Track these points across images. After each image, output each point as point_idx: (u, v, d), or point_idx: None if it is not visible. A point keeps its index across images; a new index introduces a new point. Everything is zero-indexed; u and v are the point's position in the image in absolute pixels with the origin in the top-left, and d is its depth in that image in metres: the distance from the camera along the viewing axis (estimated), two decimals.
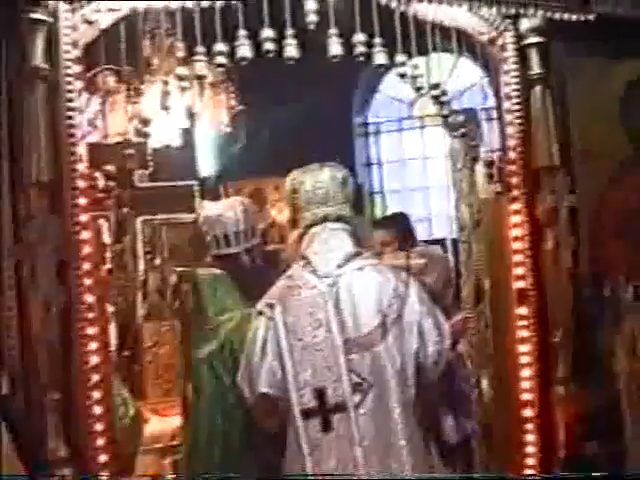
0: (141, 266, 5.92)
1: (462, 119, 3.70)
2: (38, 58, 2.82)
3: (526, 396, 3.49)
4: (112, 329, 4.10)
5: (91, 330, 2.90)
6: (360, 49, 3.01)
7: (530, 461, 3.48)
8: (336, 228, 3.24)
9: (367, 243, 3.42)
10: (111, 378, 3.14)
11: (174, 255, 5.99)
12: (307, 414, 3.02)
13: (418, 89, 3.39)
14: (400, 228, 5.44)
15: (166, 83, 3.39)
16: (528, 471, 3.47)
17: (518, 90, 3.50)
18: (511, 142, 3.53)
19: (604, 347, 3.89)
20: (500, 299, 3.58)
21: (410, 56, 3.20)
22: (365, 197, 9.33)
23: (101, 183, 3.06)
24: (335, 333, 3.04)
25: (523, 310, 3.49)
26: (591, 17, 3.46)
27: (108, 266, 4.71)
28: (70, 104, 2.91)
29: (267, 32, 2.88)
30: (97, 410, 2.90)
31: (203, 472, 3.76)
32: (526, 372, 3.49)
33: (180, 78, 3.09)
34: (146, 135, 3.71)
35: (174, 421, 4.53)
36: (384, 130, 10.09)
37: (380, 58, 3.08)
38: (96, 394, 2.90)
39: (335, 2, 3.03)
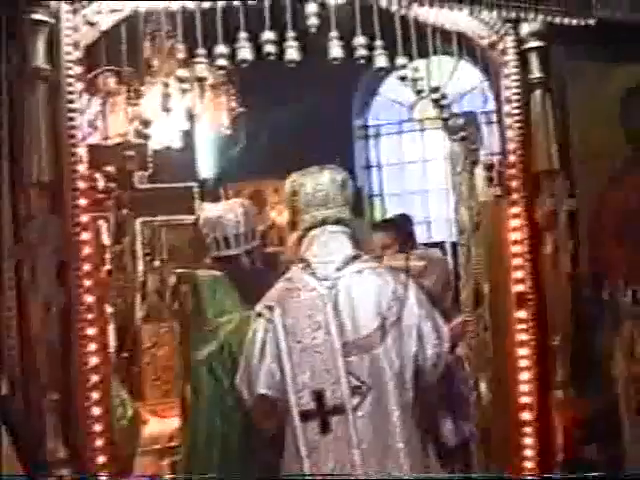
0: (140, 267, 5.93)
1: (462, 122, 3.70)
2: (39, 59, 2.82)
3: (525, 399, 3.49)
4: (111, 330, 4.10)
5: (90, 331, 2.90)
6: (361, 52, 3.02)
7: (528, 464, 3.48)
8: (335, 231, 3.25)
9: (366, 246, 3.42)
10: (110, 379, 3.14)
11: (173, 257, 5.99)
12: (305, 416, 3.02)
13: (418, 92, 3.39)
14: (400, 231, 5.45)
15: (166, 85, 3.39)
16: (526, 474, 3.47)
17: (518, 94, 3.50)
18: (511, 146, 3.53)
19: (603, 351, 3.89)
20: (499, 302, 3.58)
21: (411, 59, 3.20)
22: (364, 200, 9.35)
23: (101, 184, 3.06)
24: (334, 335, 3.04)
25: (522, 313, 3.49)
26: (591, 21, 3.46)
27: (107, 267, 4.71)
28: (71, 105, 2.91)
29: (268, 34, 2.88)
30: (96, 411, 2.90)
31: (202, 474, 3.77)
32: (525, 375, 3.49)
33: (181, 80, 3.09)
34: (146, 136, 3.72)
35: (173, 422, 4.54)
36: (384, 133, 10.11)
37: (381, 61, 3.09)
38: (95, 395, 2.90)
39: (336, 5, 3.03)
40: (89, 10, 2.97)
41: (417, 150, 9.94)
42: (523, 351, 3.49)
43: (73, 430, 2.85)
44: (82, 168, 2.94)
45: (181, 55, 3.04)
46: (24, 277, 2.80)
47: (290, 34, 2.93)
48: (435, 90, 3.45)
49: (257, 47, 2.88)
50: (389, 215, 8.77)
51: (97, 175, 3.03)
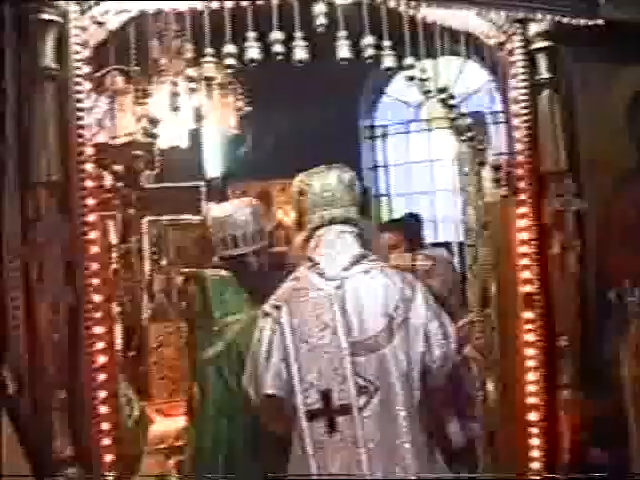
0: (147, 267, 5.94)
1: (469, 122, 3.69)
2: (48, 58, 2.82)
3: (532, 400, 3.49)
4: (118, 330, 4.10)
5: (98, 330, 2.91)
6: (368, 52, 3.02)
7: (535, 465, 3.48)
8: (343, 230, 3.24)
9: (374, 246, 3.42)
10: (117, 378, 3.14)
11: (180, 256, 6.02)
12: (312, 416, 3.02)
13: (426, 92, 3.40)
14: (408, 231, 5.45)
15: (175, 84, 3.39)
16: (532, 475, 3.47)
17: (526, 94, 3.50)
18: (518, 146, 3.53)
19: (610, 352, 3.88)
20: (506, 303, 3.58)
21: (418, 59, 3.20)
22: (371, 200, 9.34)
23: (108, 183, 3.06)
24: (341, 335, 3.04)
25: (529, 314, 3.49)
26: (599, 22, 3.45)
27: (114, 267, 4.72)
28: (79, 104, 2.92)
29: (276, 34, 2.89)
30: (103, 410, 2.91)
31: (207, 474, 3.77)
32: (532, 376, 3.49)
33: (189, 79, 3.10)
34: (154, 136, 3.71)
35: (179, 422, 4.54)
36: (391, 133, 10.08)
37: (388, 61, 3.09)
38: (102, 394, 2.90)
39: (344, 5, 3.03)
40: (97, 10, 2.98)
41: (424, 150, 9.91)
42: (530, 352, 3.49)
43: (80, 429, 2.85)
44: (90, 167, 2.95)
45: (189, 55, 3.04)
46: (32, 276, 2.80)
47: (298, 34, 2.93)
48: (443, 90, 3.46)
49: (265, 47, 2.89)
50: (397, 215, 8.78)
51: (104, 174, 3.04)
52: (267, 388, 3.06)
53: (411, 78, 3.25)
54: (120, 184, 5.17)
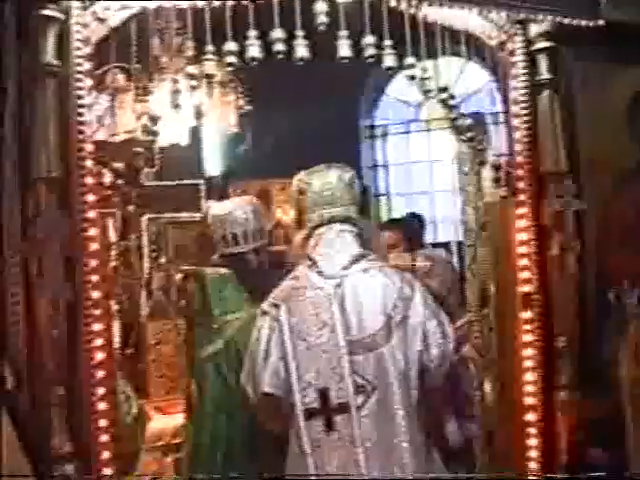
0: (146, 264, 5.94)
1: (470, 123, 3.70)
2: (49, 55, 2.82)
3: (529, 400, 3.49)
4: (116, 327, 4.10)
5: (96, 327, 2.90)
6: (369, 51, 3.02)
7: (532, 465, 3.48)
8: (342, 229, 3.25)
9: (373, 245, 3.42)
10: (115, 375, 3.14)
11: (179, 254, 6.02)
12: (310, 414, 3.02)
13: (426, 92, 3.40)
14: (408, 230, 5.45)
15: (175, 82, 3.39)
16: (530, 476, 3.48)
17: (526, 95, 3.50)
18: (518, 146, 3.53)
19: (609, 353, 3.88)
20: (505, 303, 3.58)
21: (419, 59, 3.20)
22: (371, 199, 9.35)
23: (108, 180, 3.06)
24: (339, 334, 3.04)
25: (528, 314, 3.49)
26: (600, 22, 3.46)
27: (113, 264, 4.72)
28: (80, 101, 2.92)
29: (277, 33, 2.89)
30: (101, 406, 2.90)
31: (205, 472, 3.77)
32: (530, 376, 3.49)
33: (190, 77, 3.10)
34: (154, 133, 3.72)
35: (177, 419, 4.54)
36: (391, 132, 10.10)
37: (389, 60, 3.09)
38: (100, 390, 2.90)
39: (345, 4, 3.03)
40: (99, 7, 2.97)
41: (424, 150, 9.93)
42: (528, 352, 3.50)
43: (78, 425, 2.85)
44: (90, 164, 2.95)
45: (190, 52, 3.04)
46: (31, 272, 2.81)
47: (299, 32, 2.93)
48: (443, 90, 3.46)
49: (266, 45, 2.89)
50: (396, 215, 8.79)
51: (104, 171, 3.04)
52: (265, 387, 3.07)
53: (412, 78, 3.25)
54: (120, 181, 5.17)
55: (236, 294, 3.88)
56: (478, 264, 3.65)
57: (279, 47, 2.88)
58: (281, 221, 7.50)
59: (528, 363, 3.49)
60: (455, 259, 5.66)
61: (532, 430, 3.49)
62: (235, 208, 4.01)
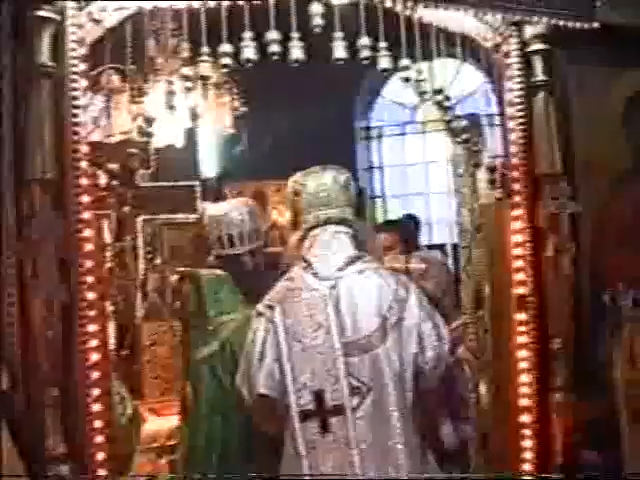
0: (141, 266, 5.94)
1: (465, 124, 3.70)
2: (44, 55, 2.82)
3: (524, 402, 3.49)
4: (111, 328, 4.10)
5: (91, 328, 2.90)
6: (365, 53, 3.02)
7: (527, 467, 3.48)
8: (338, 231, 3.24)
9: (368, 247, 3.42)
10: (110, 376, 3.14)
11: (174, 255, 6.01)
12: (305, 416, 3.01)
13: (421, 94, 3.40)
14: (404, 232, 5.46)
15: (170, 83, 3.39)
16: (525, 477, 3.48)
17: (521, 96, 3.51)
18: (513, 148, 3.54)
19: (603, 355, 3.89)
20: (500, 305, 3.58)
21: (414, 60, 3.21)
22: (366, 201, 9.36)
23: (103, 181, 3.06)
24: (334, 336, 3.04)
25: (523, 316, 3.50)
26: (595, 25, 3.46)
27: (108, 265, 4.72)
28: (75, 102, 2.92)
29: (272, 34, 2.89)
30: (96, 407, 2.90)
31: (200, 474, 3.76)
32: (525, 378, 3.49)
33: (185, 78, 3.09)
34: (149, 135, 3.71)
35: (171, 421, 4.54)
36: (387, 134, 10.11)
37: (384, 62, 3.09)
38: (95, 391, 2.90)
39: (340, 5, 3.04)
40: (94, 7, 2.97)
41: (419, 152, 9.94)
42: (523, 353, 3.50)
43: (73, 426, 2.85)
44: (84, 165, 2.95)
45: (185, 53, 3.04)
46: (26, 274, 2.80)
47: (294, 34, 2.93)
48: (438, 92, 3.46)
49: (261, 47, 2.89)
50: (392, 216, 8.80)
51: (99, 172, 3.03)
52: (260, 388, 3.06)
53: (407, 79, 3.26)
54: (115, 183, 5.17)
55: (231, 296, 3.87)
56: (473, 266, 3.65)
57: (274, 49, 2.87)
58: (276, 222, 7.49)
59: (523, 365, 3.50)
60: (450, 261, 5.66)
61: (527, 432, 3.49)
62: (231, 209, 4.01)
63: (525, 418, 3.49)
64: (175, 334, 5.11)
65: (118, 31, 3.06)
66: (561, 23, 3.43)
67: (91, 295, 2.91)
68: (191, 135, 6.03)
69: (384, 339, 3.04)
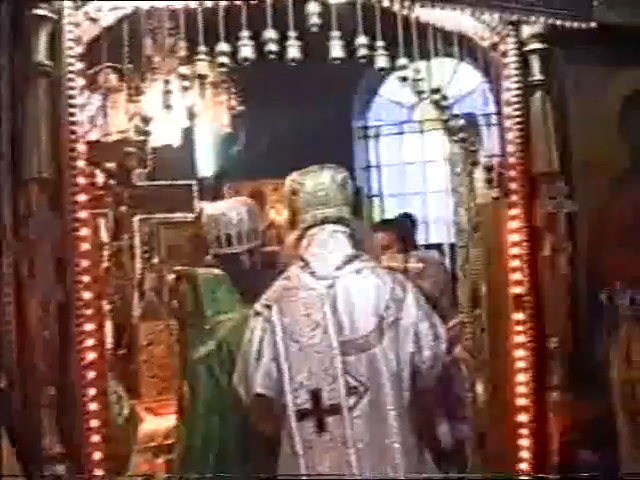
0: (138, 265, 5.93)
1: (462, 124, 3.70)
2: (41, 54, 2.82)
3: (521, 401, 3.50)
4: (108, 327, 4.10)
5: (88, 327, 2.90)
6: (362, 52, 3.02)
7: (524, 466, 3.48)
8: (335, 230, 3.24)
9: (366, 246, 3.42)
10: (107, 375, 3.14)
11: (172, 254, 6.01)
12: (302, 415, 3.01)
13: (419, 93, 3.40)
14: (401, 231, 5.45)
15: (167, 82, 3.39)
16: (522, 476, 3.48)
17: (518, 96, 3.51)
18: (511, 147, 3.54)
19: (600, 354, 3.89)
20: (497, 304, 3.58)
21: (412, 60, 3.21)
22: (364, 200, 9.35)
23: (100, 181, 3.06)
24: (332, 335, 3.03)
25: (519, 315, 3.50)
26: (593, 25, 3.46)
27: (105, 264, 4.72)
28: (72, 101, 2.92)
29: (270, 33, 2.89)
30: (92, 407, 2.90)
31: (197, 473, 3.76)
32: (521, 377, 3.49)
33: (182, 77, 3.09)
34: (146, 134, 3.72)
35: (168, 420, 4.53)
36: (384, 133, 10.10)
37: (381, 61, 3.09)
38: (92, 391, 2.90)
39: (338, 4, 3.04)
40: (91, 6, 2.97)
41: (417, 151, 9.94)
42: (520, 353, 3.50)
43: (69, 426, 2.85)
44: (82, 164, 2.94)
45: (182, 52, 3.04)
46: (22, 273, 2.80)
47: (292, 33, 2.93)
48: (435, 91, 3.46)
49: (259, 46, 2.88)
50: (389, 215, 8.79)
51: (96, 171, 3.03)
52: (257, 387, 3.06)
53: (404, 79, 3.25)
54: (112, 182, 5.17)
55: (229, 295, 3.87)
56: (470, 265, 3.65)
57: (271, 48, 2.87)
58: (274, 221, 7.49)
59: (520, 364, 3.50)
60: (448, 260, 5.66)
61: (524, 431, 3.49)
62: (229, 209, 4.00)
63: (522, 417, 3.49)
64: (172, 333, 5.11)
65: (115, 30, 3.06)
66: (558, 23, 3.43)
67: (87, 294, 2.91)
68: (188, 134, 6.03)
69: (381, 338, 3.03)
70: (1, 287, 2.86)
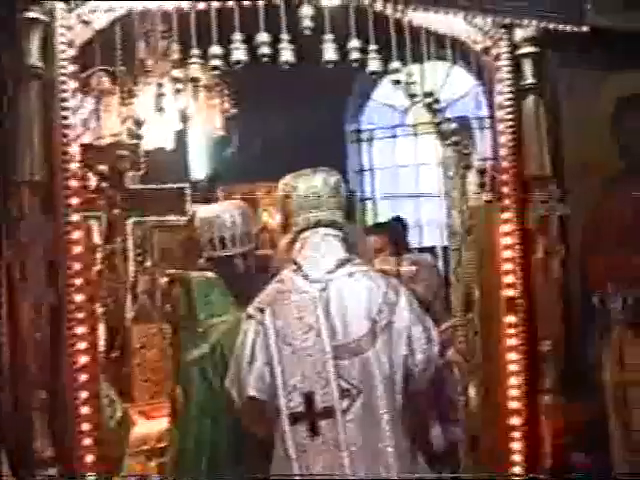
0: (131, 268, 5.93)
1: (455, 127, 3.71)
2: (33, 57, 2.81)
3: (514, 404, 3.49)
4: (101, 330, 4.09)
5: (80, 330, 2.89)
6: (354, 55, 3.02)
7: (516, 469, 3.48)
8: (328, 233, 3.24)
9: (359, 249, 3.42)
10: (99, 378, 3.13)
11: (165, 258, 6.00)
12: (295, 419, 3.01)
13: (412, 96, 3.40)
14: (393, 234, 5.46)
15: (160, 85, 3.39)
16: (514, 479, 3.48)
17: (511, 99, 3.51)
18: (503, 151, 3.54)
19: (593, 357, 3.90)
20: (489, 307, 3.58)
21: (404, 63, 3.21)
22: (356, 203, 9.36)
23: (93, 184, 3.05)
24: (324, 338, 3.03)
25: (512, 318, 3.50)
26: (585, 28, 3.47)
27: (98, 267, 4.71)
28: (64, 104, 2.91)
29: (262, 36, 2.89)
30: (84, 410, 2.88)
31: (190, 476, 3.76)
32: (514, 380, 3.49)
33: (175, 80, 3.09)
34: (139, 137, 3.71)
35: (161, 423, 4.53)
36: (377, 137, 10.11)
37: (374, 65, 3.09)
38: (84, 394, 2.88)
39: (331, 8, 3.04)
40: (84, 9, 2.96)
41: (410, 154, 9.95)
42: (512, 356, 3.50)
43: (61, 429, 2.83)
44: (74, 167, 2.94)
45: (175, 55, 3.03)
46: (14, 276, 2.79)
47: (284, 36, 2.93)
48: (428, 95, 3.46)
49: (251, 49, 2.88)
50: (382, 219, 8.80)
51: (89, 174, 3.03)
52: (250, 390, 3.06)
53: (397, 82, 3.26)
54: (105, 184, 5.16)
55: (222, 298, 3.87)
56: (463, 268, 3.65)
57: (264, 51, 2.87)
58: (267, 225, 7.48)
59: (512, 367, 3.50)
60: (440, 263, 5.66)
61: (516, 434, 3.49)
62: (223, 211, 4.00)
63: (514, 420, 3.49)
64: (165, 337, 5.10)
65: (108, 33, 3.06)
66: (551, 26, 3.43)
67: (80, 297, 2.90)
68: (181, 137, 6.03)
69: (374, 342, 3.03)
70: None
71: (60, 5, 2.89)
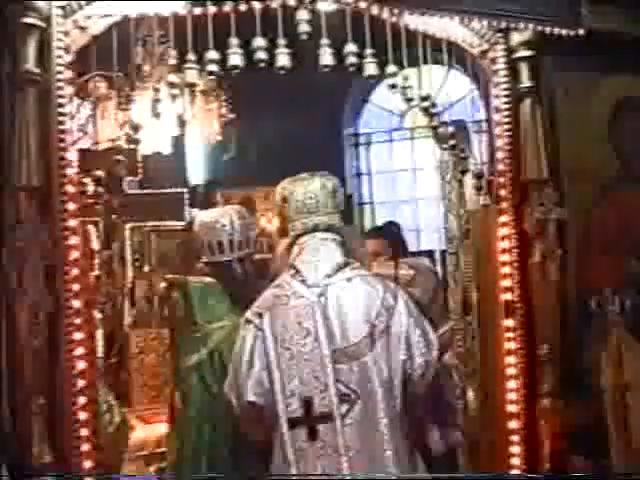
0: (129, 273, 5.93)
1: (452, 131, 3.71)
2: (30, 63, 2.81)
3: (512, 408, 3.49)
4: (99, 336, 4.08)
5: (78, 335, 2.89)
6: (351, 59, 3.03)
7: (515, 472, 3.48)
8: (326, 238, 3.24)
9: (356, 253, 3.42)
10: (97, 384, 3.13)
11: (162, 263, 6.01)
12: (293, 423, 3.01)
13: (408, 100, 3.41)
14: (391, 238, 5.45)
15: (157, 90, 3.39)
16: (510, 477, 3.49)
17: (508, 103, 3.52)
18: (500, 154, 3.55)
19: (591, 360, 3.89)
20: (487, 311, 3.59)
21: (401, 67, 3.21)
22: (354, 207, 9.37)
23: (90, 189, 3.05)
24: (323, 343, 3.03)
25: (510, 322, 3.50)
26: (582, 31, 3.48)
27: (96, 273, 4.70)
28: (61, 109, 2.91)
29: (259, 41, 2.89)
30: (82, 415, 2.89)
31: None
32: (512, 384, 3.49)
33: (171, 85, 3.09)
34: (136, 142, 3.70)
35: (159, 428, 4.52)
36: (374, 141, 10.11)
37: (371, 69, 3.10)
38: (82, 399, 2.89)
39: (327, 12, 3.04)
40: (80, 15, 2.97)
41: (407, 158, 9.94)
42: (511, 359, 3.50)
43: (59, 434, 2.84)
44: (71, 172, 2.94)
45: (172, 61, 3.03)
46: (12, 281, 2.79)
47: (281, 41, 2.93)
48: (425, 98, 3.46)
49: (248, 54, 2.89)
50: (379, 223, 8.79)
51: (86, 180, 3.03)
52: (248, 396, 3.05)
53: (394, 86, 3.26)
54: (102, 190, 5.15)
55: (220, 303, 3.86)
56: (461, 272, 3.65)
57: (261, 56, 2.88)
58: (264, 229, 7.49)
59: (510, 371, 3.50)
60: (438, 267, 5.66)
61: (515, 438, 3.49)
62: (222, 216, 3.99)
63: (513, 424, 3.49)
64: (163, 342, 5.10)
65: (104, 38, 3.06)
66: (547, 30, 3.44)
67: (77, 303, 2.90)
68: (179, 142, 6.03)
69: (372, 346, 3.03)
70: None
71: (56, 11, 2.89)
